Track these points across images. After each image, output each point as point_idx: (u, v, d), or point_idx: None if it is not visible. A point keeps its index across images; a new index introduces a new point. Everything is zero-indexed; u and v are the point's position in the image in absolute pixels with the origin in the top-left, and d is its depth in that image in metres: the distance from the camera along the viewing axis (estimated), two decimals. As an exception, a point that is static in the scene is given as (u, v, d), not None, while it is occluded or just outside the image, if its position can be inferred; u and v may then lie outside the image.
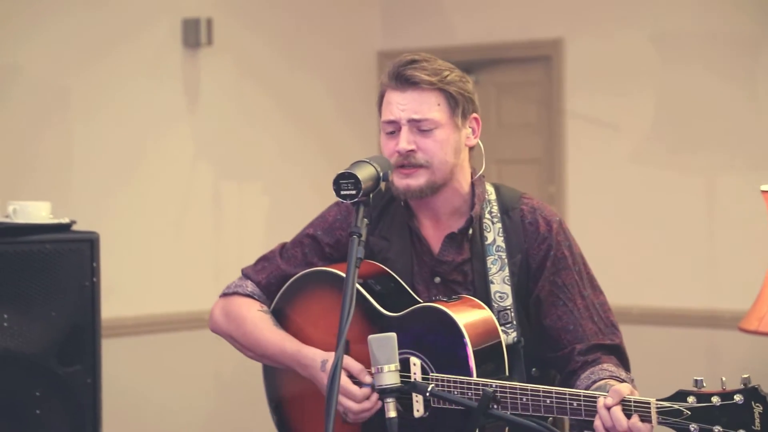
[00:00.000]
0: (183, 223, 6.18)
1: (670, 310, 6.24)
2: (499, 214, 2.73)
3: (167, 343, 5.98)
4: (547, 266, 2.70)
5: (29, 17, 5.57)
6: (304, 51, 6.81)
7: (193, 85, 6.25)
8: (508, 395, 2.48)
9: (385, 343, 2.40)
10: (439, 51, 6.72)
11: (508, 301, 2.67)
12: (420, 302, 2.66)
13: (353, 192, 2.45)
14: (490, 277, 2.69)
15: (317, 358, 2.68)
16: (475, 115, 2.72)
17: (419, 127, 2.64)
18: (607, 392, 2.39)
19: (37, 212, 3.77)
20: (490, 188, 2.79)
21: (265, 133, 6.59)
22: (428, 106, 2.65)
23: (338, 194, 2.46)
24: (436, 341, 2.58)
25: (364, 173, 2.48)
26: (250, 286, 2.88)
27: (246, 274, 2.92)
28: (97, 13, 5.82)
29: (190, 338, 5.94)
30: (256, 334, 2.79)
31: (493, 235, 2.72)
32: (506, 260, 2.69)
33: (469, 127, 2.71)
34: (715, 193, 6.22)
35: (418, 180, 2.64)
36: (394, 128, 2.67)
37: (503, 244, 2.71)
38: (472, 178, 2.74)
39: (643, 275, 6.33)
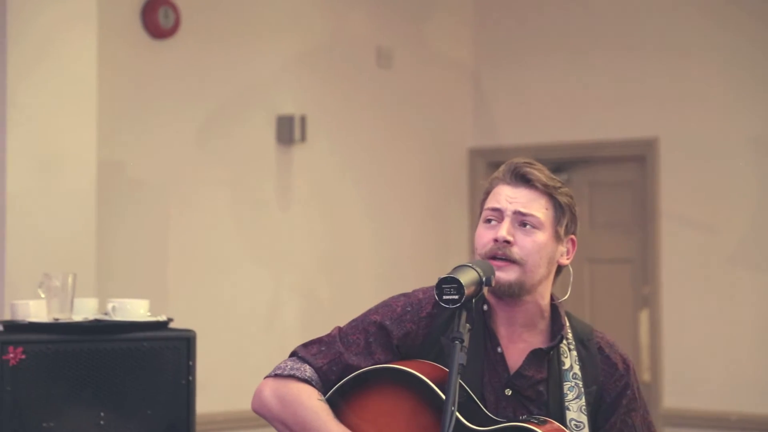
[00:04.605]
0: (274, 319, 6.18)
1: (770, 417, 6.09)
2: (574, 342, 2.68)
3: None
4: (622, 404, 2.65)
5: (131, 114, 5.67)
6: (396, 147, 6.84)
7: (285, 181, 6.30)
8: None
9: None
10: (532, 149, 6.75)
11: (585, 431, 2.61)
12: (495, 418, 2.57)
13: (456, 297, 2.38)
14: (567, 404, 2.62)
15: None
16: (573, 237, 2.67)
17: (523, 221, 2.60)
18: None
19: (136, 310, 3.80)
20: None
21: (357, 230, 6.61)
22: (537, 205, 2.61)
23: (440, 299, 2.39)
24: None
25: (467, 278, 2.41)
26: (308, 371, 2.70)
27: (302, 357, 2.73)
28: (195, 110, 5.91)
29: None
30: (318, 426, 2.62)
31: (570, 361, 2.66)
32: (583, 389, 2.64)
33: (566, 246, 2.67)
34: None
35: (509, 274, 2.56)
36: (496, 217, 2.62)
37: (579, 373, 2.65)
38: (552, 300, 2.69)
39: (742, 380, 6.18)
